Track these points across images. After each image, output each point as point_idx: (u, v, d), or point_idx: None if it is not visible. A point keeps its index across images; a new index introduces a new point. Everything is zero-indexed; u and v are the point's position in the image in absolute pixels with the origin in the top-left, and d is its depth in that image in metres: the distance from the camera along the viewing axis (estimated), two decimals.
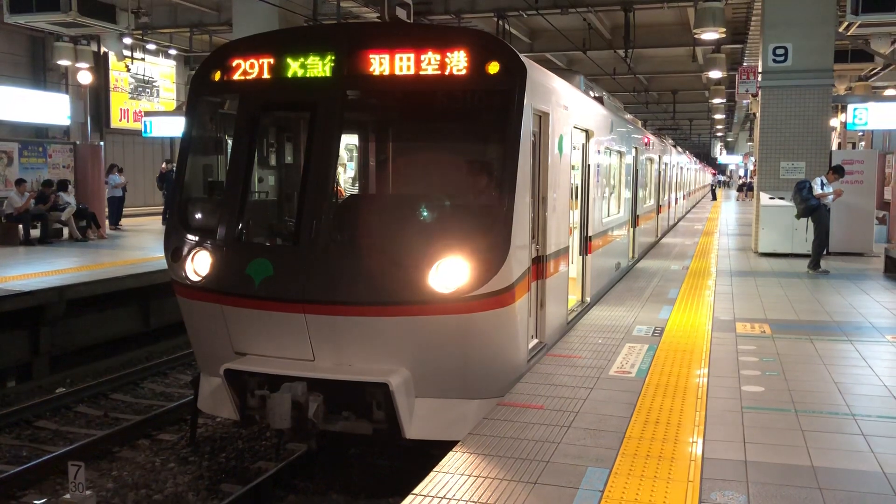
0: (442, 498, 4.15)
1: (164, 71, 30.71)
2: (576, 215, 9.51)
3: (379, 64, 6.30)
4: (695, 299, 10.34)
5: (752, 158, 30.76)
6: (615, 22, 23.46)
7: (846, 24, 16.09)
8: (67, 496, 5.46)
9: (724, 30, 16.80)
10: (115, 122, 28.79)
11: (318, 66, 6.45)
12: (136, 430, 8.64)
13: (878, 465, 4.61)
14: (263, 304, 6.17)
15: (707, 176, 65.93)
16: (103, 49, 24.98)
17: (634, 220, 14.57)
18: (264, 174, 7.93)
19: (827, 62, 15.36)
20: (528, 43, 25.21)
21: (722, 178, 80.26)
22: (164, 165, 22.80)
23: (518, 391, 6.07)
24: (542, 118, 7.15)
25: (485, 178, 6.82)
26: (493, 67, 6.17)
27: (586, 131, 9.31)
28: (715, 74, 24.71)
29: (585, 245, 9.67)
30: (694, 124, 56.99)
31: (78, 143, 20.75)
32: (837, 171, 13.54)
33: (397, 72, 6.27)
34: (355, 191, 9.15)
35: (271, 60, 6.63)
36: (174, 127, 21.12)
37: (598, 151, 10.10)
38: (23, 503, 6.97)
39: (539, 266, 7.17)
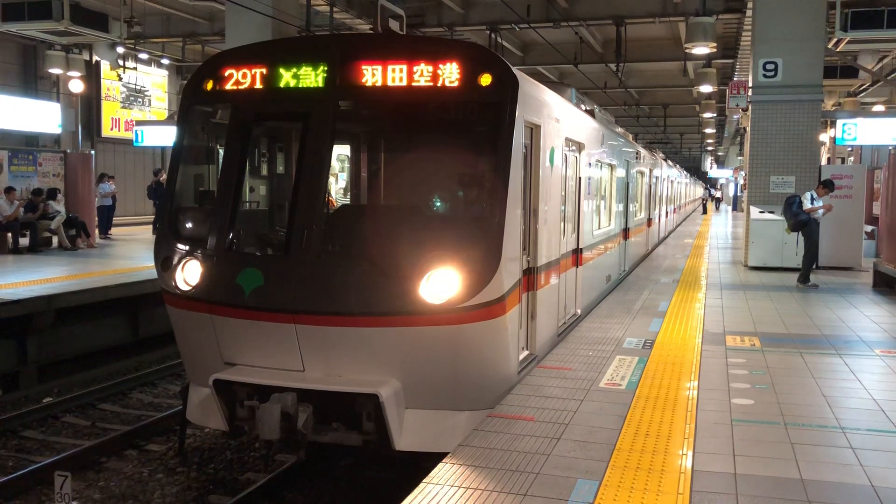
0: None
1: (156, 80, 30.66)
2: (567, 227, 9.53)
3: (371, 75, 6.31)
4: (685, 312, 10.36)
5: (743, 172, 30.90)
6: (607, 36, 23.59)
7: (835, 39, 16.25)
8: None
9: (715, 45, 16.93)
10: (107, 130, 28.71)
11: (311, 77, 6.45)
12: (124, 441, 8.59)
13: (867, 478, 4.62)
14: (253, 314, 6.14)
15: (698, 189, 66.17)
16: (95, 58, 24.96)
17: (625, 233, 14.60)
18: (255, 184, 7.92)
19: (816, 77, 15.49)
20: (520, 56, 25.32)
21: (713, 191, 79.38)
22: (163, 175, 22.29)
23: (508, 403, 6.06)
24: (534, 130, 7.17)
25: (476, 189, 6.82)
26: (486, 79, 6.19)
27: (577, 144, 9.34)
28: (706, 89, 24.87)
29: (577, 257, 9.69)
30: (684, 138, 57.26)
31: (68, 151, 20.68)
32: (827, 186, 13.61)
33: (390, 83, 6.29)
34: (347, 201, 9.15)
35: (264, 70, 6.64)
36: (166, 136, 21.06)
37: (590, 164, 10.13)
38: None
39: (530, 277, 7.18)
